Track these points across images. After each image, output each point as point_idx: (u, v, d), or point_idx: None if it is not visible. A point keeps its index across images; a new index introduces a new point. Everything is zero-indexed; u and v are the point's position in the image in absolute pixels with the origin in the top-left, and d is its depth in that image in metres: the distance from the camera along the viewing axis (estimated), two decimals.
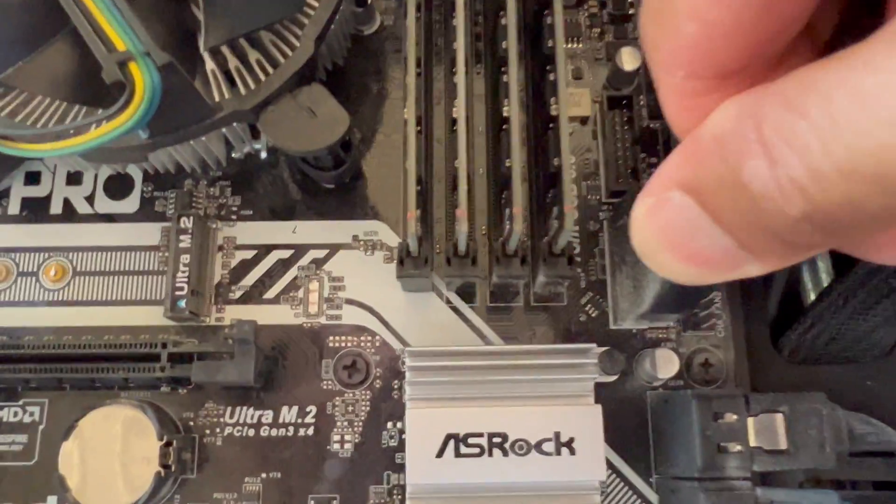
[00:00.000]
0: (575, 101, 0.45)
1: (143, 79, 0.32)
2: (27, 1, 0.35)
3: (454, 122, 0.39)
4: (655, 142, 0.45)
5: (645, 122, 0.45)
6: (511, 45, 0.38)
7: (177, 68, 0.32)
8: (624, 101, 0.46)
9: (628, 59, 0.44)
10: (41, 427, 0.42)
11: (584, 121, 0.46)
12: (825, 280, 0.46)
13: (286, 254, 0.44)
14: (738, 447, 0.37)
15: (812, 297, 0.46)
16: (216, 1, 0.36)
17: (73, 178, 0.45)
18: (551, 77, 0.38)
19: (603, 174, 0.45)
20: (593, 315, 0.43)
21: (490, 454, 0.37)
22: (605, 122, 0.45)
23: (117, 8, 0.32)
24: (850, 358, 0.43)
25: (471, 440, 0.38)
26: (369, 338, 0.43)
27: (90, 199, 0.45)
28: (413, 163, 0.36)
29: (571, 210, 0.35)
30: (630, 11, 0.48)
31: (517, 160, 0.36)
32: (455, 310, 0.43)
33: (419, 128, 0.38)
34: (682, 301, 0.37)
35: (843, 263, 0.47)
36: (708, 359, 0.42)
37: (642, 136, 0.45)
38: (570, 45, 0.47)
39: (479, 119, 0.44)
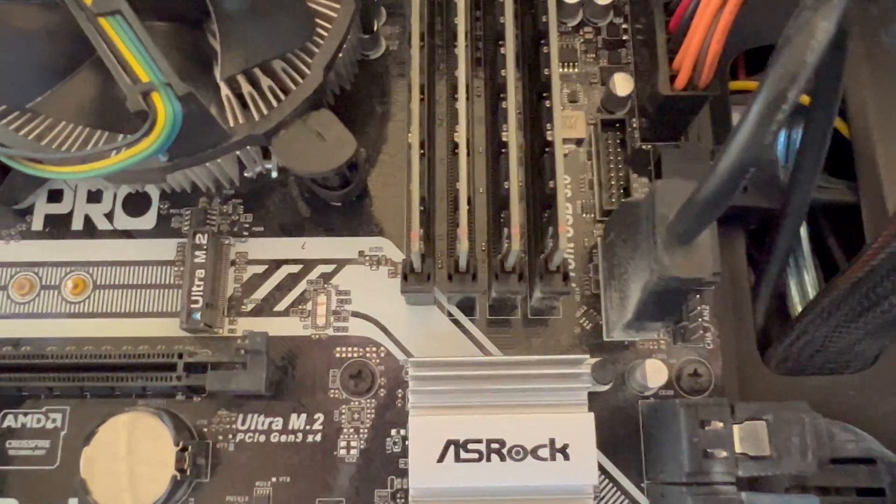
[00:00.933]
0: (570, 123, 0.48)
1: (164, 108, 0.34)
2: (55, 33, 0.38)
3: (456, 144, 0.42)
4: (647, 162, 0.47)
5: (637, 143, 0.48)
6: (509, 74, 0.40)
7: (195, 98, 0.35)
8: (617, 124, 0.48)
9: (621, 85, 0.47)
10: (63, 433, 0.44)
11: (579, 142, 0.48)
12: (811, 293, 0.48)
13: (295, 268, 0.46)
14: (724, 453, 0.39)
15: (799, 310, 0.48)
16: (232, 33, 0.38)
17: (94, 196, 0.48)
18: (547, 104, 0.41)
19: (597, 193, 0.47)
20: (587, 328, 0.45)
21: (488, 459, 0.39)
22: (598, 144, 0.48)
23: (140, 42, 0.35)
24: (833, 369, 0.45)
25: (470, 446, 0.40)
26: (374, 349, 0.45)
27: (109, 217, 0.48)
28: (416, 185, 0.38)
29: (565, 230, 0.37)
30: (624, 37, 0.50)
31: (515, 183, 0.38)
32: (456, 322, 0.46)
33: (422, 151, 0.41)
34: (661, 310, 0.39)
35: (828, 277, 0.49)
36: (697, 369, 0.44)
37: (634, 157, 0.47)
38: (566, 70, 0.49)
39: (479, 141, 0.46)
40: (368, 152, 0.49)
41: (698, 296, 0.45)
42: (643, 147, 0.48)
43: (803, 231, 0.48)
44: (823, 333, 0.44)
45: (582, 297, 0.46)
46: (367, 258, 0.46)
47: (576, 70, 0.50)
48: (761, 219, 0.47)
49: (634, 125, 0.48)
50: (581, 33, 0.50)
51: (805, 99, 0.46)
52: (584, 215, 0.47)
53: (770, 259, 0.47)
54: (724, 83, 0.49)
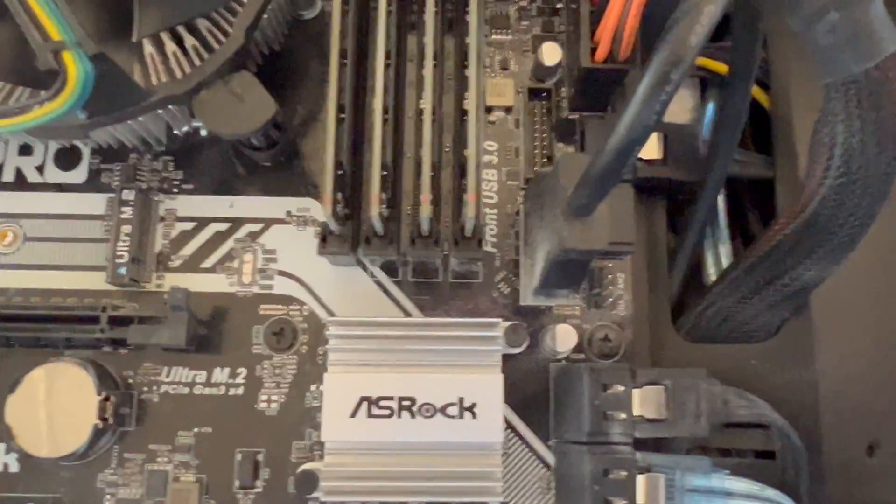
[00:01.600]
0: (499, 91, 0.48)
1: (75, 68, 0.34)
2: None
3: (385, 109, 0.42)
4: (573, 132, 0.48)
5: (564, 112, 0.49)
6: (428, 41, 0.41)
7: (107, 58, 0.35)
8: (544, 93, 0.49)
9: (549, 54, 0.47)
10: None
11: (508, 109, 0.49)
12: (726, 265, 0.50)
13: (223, 226, 0.47)
14: (623, 415, 0.41)
15: (713, 280, 0.50)
16: None
17: (25, 149, 0.48)
18: (466, 73, 0.41)
19: (522, 161, 0.48)
20: (506, 292, 0.47)
21: (399, 416, 0.41)
22: (526, 112, 0.49)
23: None
24: (739, 338, 0.47)
25: (382, 402, 0.41)
26: (298, 307, 0.46)
27: (41, 169, 0.48)
28: (331, 149, 0.39)
29: (474, 199, 0.38)
30: (558, 6, 0.50)
31: (427, 150, 0.39)
32: (379, 284, 0.47)
33: (343, 115, 0.41)
34: (564, 278, 0.40)
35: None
36: (608, 335, 0.46)
37: (561, 127, 0.48)
38: (497, 37, 0.50)
39: (410, 105, 0.47)
40: (303, 113, 0.49)
41: (611, 264, 0.46)
42: (570, 116, 0.48)
43: (721, 203, 0.50)
44: (729, 304, 0.45)
45: (502, 262, 0.47)
46: (295, 218, 0.47)
47: (508, 37, 0.50)
48: (682, 191, 0.48)
49: (563, 94, 0.49)
50: (516, 0, 0.50)
51: (723, 68, 0.47)
52: (508, 182, 0.48)
53: (687, 231, 0.48)
54: (649, 55, 0.50)
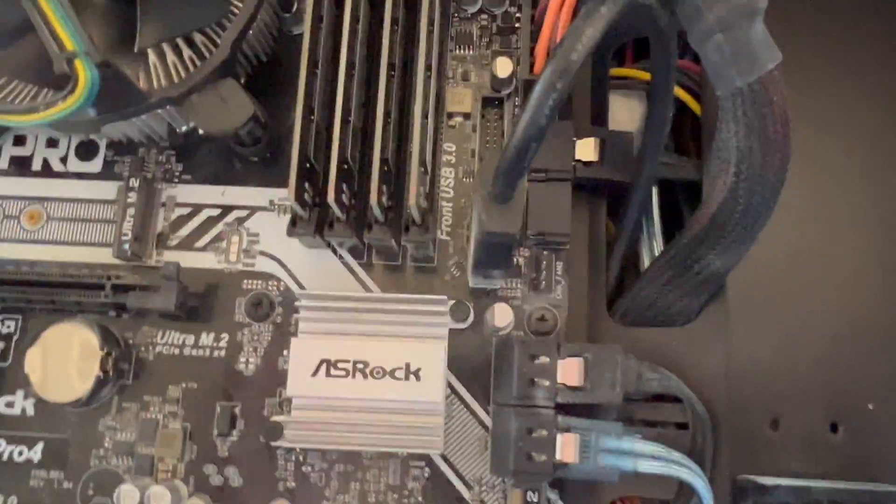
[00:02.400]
0: (458, 99, 0.55)
1: (83, 73, 0.42)
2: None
3: (348, 112, 0.49)
4: None
5: (515, 118, 0.55)
6: (384, 53, 0.48)
7: (111, 64, 0.43)
8: (496, 102, 0.55)
9: (501, 67, 0.54)
10: (15, 337, 0.53)
11: (466, 116, 0.55)
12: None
13: (215, 212, 0.55)
14: (547, 382, 0.47)
15: None
16: (150, 10, 0.46)
17: (51, 142, 0.56)
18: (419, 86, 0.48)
19: (477, 161, 0.55)
20: (457, 275, 0.53)
21: (353, 376, 0.48)
22: (481, 118, 0.55)
23: (67, 14, 0.43)
24: (663, 322, 0.52)
25: (340, 364, 0.48)
26: (275, 283, 0.53)
27: (64, 160, 0.56)
28: (297, 146, 0.46)
29: (415, 191, 0.45)
30: (516, 25, 0.57)
31: (377, 152, 0.46)
32: (346, 265, 0.54)
33: (312, 117, 0.48)
34: (491, 261, 0.46)
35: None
36: (544, 315, 0.52)
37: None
38: (461, 52, 0.56)
39: (377, 108, 0.54)
40: (288, 116, 0.56)
41: (546, 252, 0.52)
42: None
43: (655, 202, 0.55)
44: (653, 291, 0.51)
45: (454, 249, 0.53)
46: (276, 206, 0.55)
47: (470, 52, 0.57)
48: (620, 189, 0.54)
49: (516, 102, 0.55)
50: (478, 20, 0.57)
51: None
52: (464, 179, 0.55)
53: (622, 226, 0.54)
54: (604, 69, 0.56)
